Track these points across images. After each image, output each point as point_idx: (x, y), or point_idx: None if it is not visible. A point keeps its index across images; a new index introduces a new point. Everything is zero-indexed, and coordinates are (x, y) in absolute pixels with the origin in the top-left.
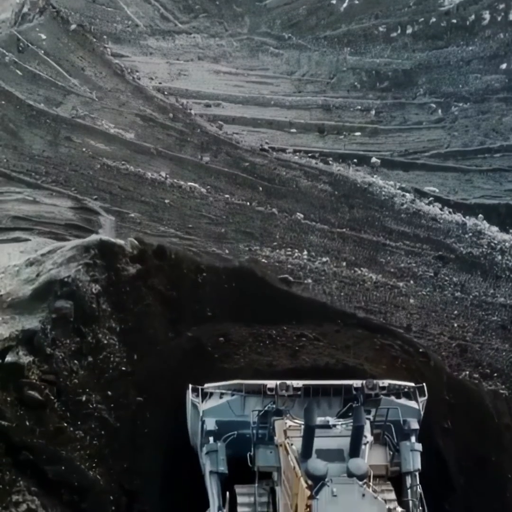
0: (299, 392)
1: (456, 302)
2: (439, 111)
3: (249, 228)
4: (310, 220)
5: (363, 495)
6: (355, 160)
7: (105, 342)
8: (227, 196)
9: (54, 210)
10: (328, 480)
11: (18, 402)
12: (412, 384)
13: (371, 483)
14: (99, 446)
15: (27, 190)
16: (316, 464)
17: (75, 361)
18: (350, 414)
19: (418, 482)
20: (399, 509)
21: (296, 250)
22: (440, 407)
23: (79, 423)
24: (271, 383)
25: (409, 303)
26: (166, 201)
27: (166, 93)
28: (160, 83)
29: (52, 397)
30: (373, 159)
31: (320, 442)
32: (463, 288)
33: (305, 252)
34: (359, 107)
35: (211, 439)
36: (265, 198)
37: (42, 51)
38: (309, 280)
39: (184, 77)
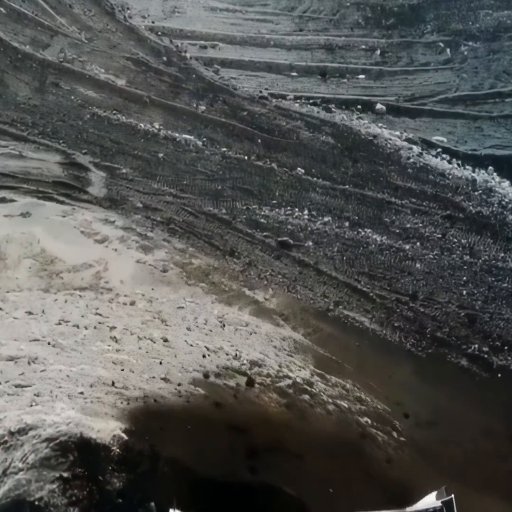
0: None
1: (465, 267)
2: (448, 50)
3: (247, 185)
4: (311, 175)
5: None
6: (358, 107)
7: None
8: (224, 149)
9: (41, 166)
10: None
11: None
12: (439, 504)
13: None
14: None
15: (13, 143)
16: None
17: None
18: None
19: None
20: None
21: (297, 209)
22: None
23: None
24: None
25: (415, 268)
26: (160, 155)
27: (159, 33)
28: (153, 22)
29: None
30: (378, 106)
31: None
32: (472, 251)
33: (306, 211)
34: (364, 47)
35: None
36: (264, 151)
37: None
38: (310, 242)
39: (178, 15)
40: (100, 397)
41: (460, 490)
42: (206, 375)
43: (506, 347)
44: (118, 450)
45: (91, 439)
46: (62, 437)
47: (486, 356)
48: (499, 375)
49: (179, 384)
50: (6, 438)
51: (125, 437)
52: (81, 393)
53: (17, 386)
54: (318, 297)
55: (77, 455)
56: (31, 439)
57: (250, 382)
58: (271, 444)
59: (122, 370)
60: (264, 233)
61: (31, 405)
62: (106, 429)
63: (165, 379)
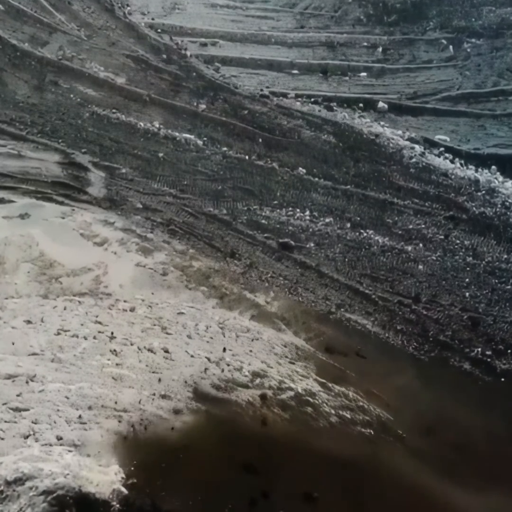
0: None
1: (468, 269)
2: (450, 47)
3: (248, 185)
4: (312, 175)
5: None
6: (360, 105)
7: None
8: (224, 148)
9: (41, 166)
10: None
11: None
12: None
13: None
14: None
15: (12, 142)
16: None
17: None
18: None
19: None
20: None
21: (298, 210)
22: None
23: None
24: None
25: (418, 270)
26: (160, 154)
27: (159, 30)
28: (152, 19)
29: None
30: (380, 104)
31: None
32: (475, 253)
33: (307, 212)
34: (365, 44)
35: None
36: (265, 151)
37: None
38: (312, 244)
39: (179, 12)
40: (100, 422)
41: (462, 494)
42: (207, 390)
43: (509, 351)
44: (118, 505)
45: (90, 494)
46: (59, 490)
47: (489, 359)
48: (503, 379)
49: (179, 401)
50: (2, 488)
51: (125, 491)
52: (80, 417)
53: (14, 409)
54: (319, 299)
55: (75, 511)
56: (28, 490)
57: (263, 396)
58: (274, 472)
59: (122, 387)
60: (265, 235)
61: (28, 436)
62: (106, 481)
63: (164, 396)
